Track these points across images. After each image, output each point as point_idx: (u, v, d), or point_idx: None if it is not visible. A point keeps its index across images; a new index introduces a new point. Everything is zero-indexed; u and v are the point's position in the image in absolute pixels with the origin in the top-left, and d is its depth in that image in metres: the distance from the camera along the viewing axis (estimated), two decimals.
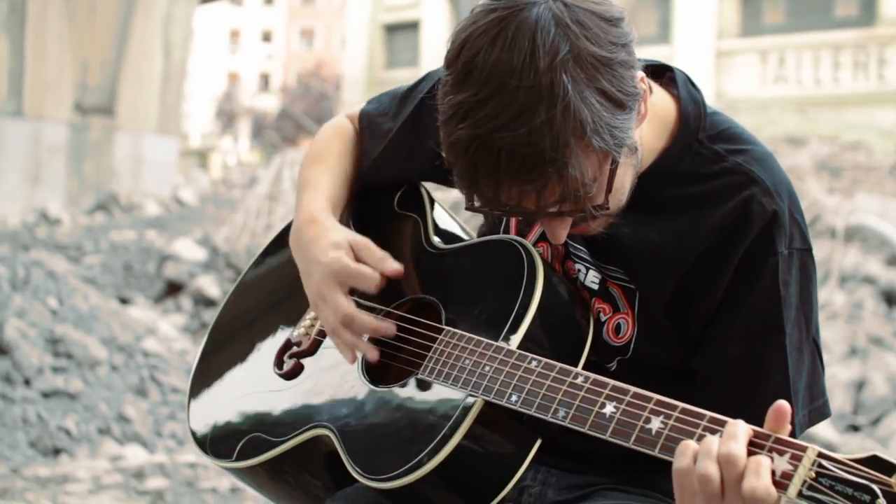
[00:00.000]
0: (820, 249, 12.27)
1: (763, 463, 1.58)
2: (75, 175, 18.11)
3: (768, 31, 33.68)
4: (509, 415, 1.93)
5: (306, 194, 2.34)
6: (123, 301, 11.61)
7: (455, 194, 2.39)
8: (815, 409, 2.04)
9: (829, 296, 10.97)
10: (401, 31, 38.93)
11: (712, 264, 1.99)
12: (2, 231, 14.50)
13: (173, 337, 9.46)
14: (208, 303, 11.97)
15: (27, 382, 7.05)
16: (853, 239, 12.44)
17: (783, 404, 1.61)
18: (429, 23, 37.04)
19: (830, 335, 9.64)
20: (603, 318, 2.11)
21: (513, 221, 2.26)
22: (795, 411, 1.95)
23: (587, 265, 2.13)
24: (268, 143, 46.30)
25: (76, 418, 6.92)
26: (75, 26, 17.67)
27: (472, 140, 1.79)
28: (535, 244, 2.17)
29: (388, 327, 2.13)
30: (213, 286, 12.19)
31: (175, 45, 19.73)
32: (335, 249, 2.16)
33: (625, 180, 1.94)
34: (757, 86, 32.61)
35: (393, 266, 2.14)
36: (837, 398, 8.23)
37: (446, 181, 2.37)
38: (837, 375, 8.63)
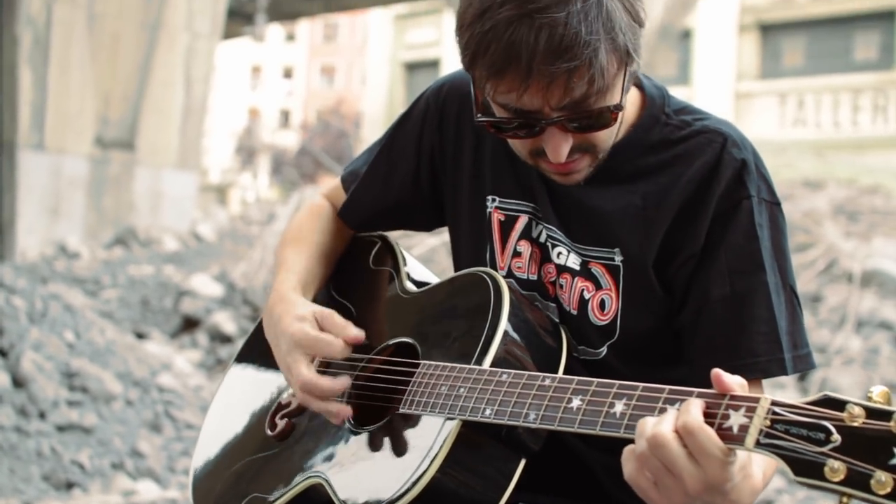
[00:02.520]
0: (836, 294, 12.23)
1: (691, 402, 1.66)
2: (94, 209, 18.20)
3: (787, 73, 33.76)
4: (490, 435, 2.00)
5: (279, 275, 2.46)
6: (140, 336, 11.64)
7: (430, 243, 2.48)
8: (800, 356, 2.10)
9: (844, 341, 10.94)
10: (421, 70, 39.13)
11: (692, 214, 2.11)
12: (21, 264, 14.57)
13: (188, 372, 9.48)
14: (224, 339, 12.00)
15: (42, 416, 7.07)
16: (870, 284, 12.40)
17: (717, 371, 1.67)
18: (449, 61, 37.25)
19: (846, 380, 9.61)
20: (587, 296, 2.20)
21: (497, 246, 2.33)
22: (782, 351, 2.07)
23: (567, 249, 2.22)
24: (287, 180, 46.47)
25: (90, 452, 6.93)
26: (98, 60, 17.82)
27: (514, 19, 1.90)
28: (517, 241, 2.29)
29: (345, 383, 2.19)
30: (230, 322, 12.22)
31: (196, 81, 19.86)
32: (300, 321, 2.25)
33: (625, 112, 2.08)
34: (776, 128, 32.63)
35: (354, 332, 2.23)
36: None
37: (427, 216, 2.54)
38: None
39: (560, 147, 2.01)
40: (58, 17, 17.13)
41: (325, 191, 2.69)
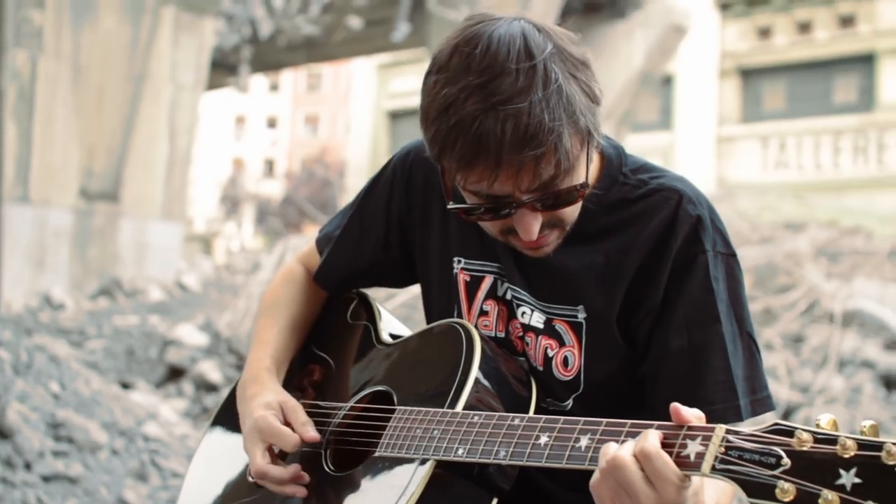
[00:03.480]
0: (818, 334, 12.31)
1: (650, 431, 1.78)
2: (79, 260, 18.19)
3: (769, 116, 33.99)
4: (462, 475, 2.08)
5: (254, 351, 2.59)
6: (125, 386, 11.62)
7: (413, 290, 2.55)
8: (758, 399, 2.19)
9: (827, 380, 11.01)
10: (405, 118, 39.27)
11: (651, 270, 2.19)
12: (5, 316, 14.54)
13: (174, 422, 9.47)
14: (210, 388, 11.98)
15: (28, 466, 7.06)
16: (851, 323, 12.50)
17: (675, 405, 1.78)
18: None
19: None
20: (550, 354, 2.27)
21: (464, 305, 2.42)
22: (738, 398, 2.15)
23: (532, 307, 2.30)
24: (271, 229, 46.47)
25: (76, 503, 6.92)
26: (82, 113, 17.86)
27: (480, 113, 1.97)
28: (483, 300, 2.37)
29: (295, 470, 2.30)
30: (215, 371, 12.20)
31: (181, 132, 19.90)
32: (265, 409, 2.37)
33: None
34: (758, 171, 32.81)
35: (311, 434, 2.32)
36: None
37: (399, 275, 2.63)
38: None
39: (531, 227, 2.08)
40: (42, 70, 17.21)
41: (300, 254, 2.78)
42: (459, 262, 2.42)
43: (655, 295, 2.18)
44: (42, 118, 17.25)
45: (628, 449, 1.76)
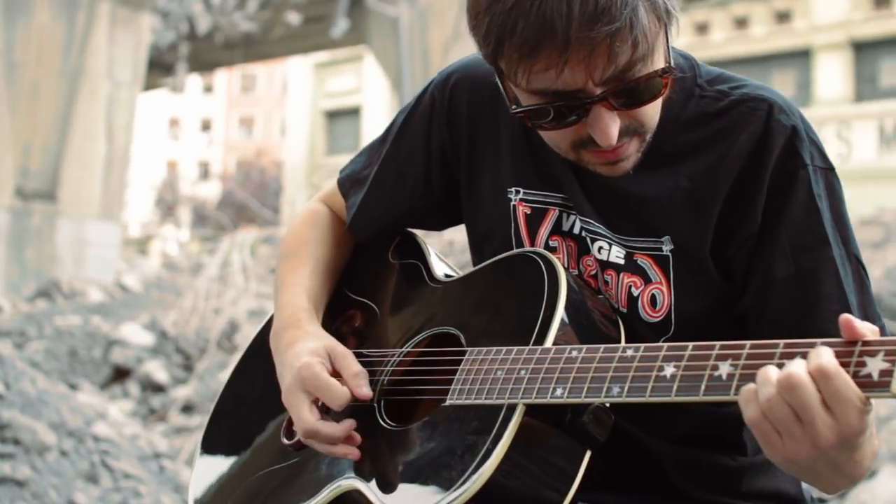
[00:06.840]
0: None
1: (821, 348, 1.51)
2: (16, 261, 17.88)
3: None
4: (553, 424, 1.78)
5: (286, 293, 2.25)
6: (70, 387, 11.36)
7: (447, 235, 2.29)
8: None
9: None
10: (342, 117, 39.13)
11: (745, 191, 1.93)
12: None
13: (124, 422, 9.22)
14: (156, 388, 11.77)
15: None
16: None
17: (847, 316, 1.51)
18: (370, 109, 37.31)
19: None
20: (635, 293, 2.01)
21: (525, 241, 2.14)
22: None
23: (609, 241, 2.03)
24: (209, 229, 46.27)
25: None
26: (17, 110, 17.57)
27: None
28: (548, 236, 2.10)
29: (349, 426, 1.98)
30: (161, 371, 12.01)
31: (118, 130, 19.64)
32: (310, 356, 2.04)
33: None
34: None
35: (364, 391, 2.00)
36: None
37: (441, 217, 2.34)
38: None
39: (609, 128, 1.81)
40: None
41: (321, 195, 2.48)
42: (518, 192, 2.13)
43: (752, 219, 1.93)
44: None
45: (801, 366, 1.49)
